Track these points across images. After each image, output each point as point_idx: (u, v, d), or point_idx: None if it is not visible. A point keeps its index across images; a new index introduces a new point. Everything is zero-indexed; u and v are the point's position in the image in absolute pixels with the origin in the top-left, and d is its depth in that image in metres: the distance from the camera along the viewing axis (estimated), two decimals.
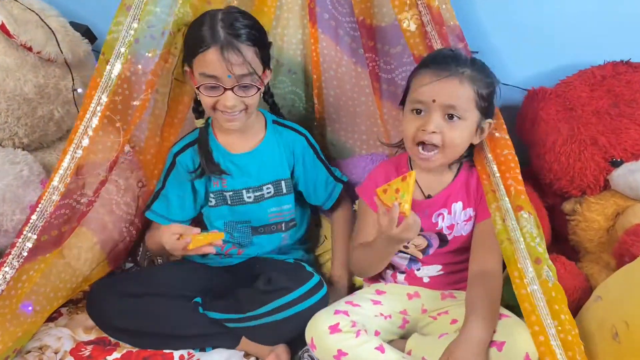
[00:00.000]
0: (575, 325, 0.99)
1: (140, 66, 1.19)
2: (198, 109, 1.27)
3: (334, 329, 1.05)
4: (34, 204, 1.14)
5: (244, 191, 1.30)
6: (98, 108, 1.14)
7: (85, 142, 1.13)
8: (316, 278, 1.19)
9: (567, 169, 1.29)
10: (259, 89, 1.19)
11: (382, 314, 1.14)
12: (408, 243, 1.21)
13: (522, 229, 1.07)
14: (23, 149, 1.41)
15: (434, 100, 1.09)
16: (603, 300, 1.03)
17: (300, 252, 1.39)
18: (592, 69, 1.33)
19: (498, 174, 1.14)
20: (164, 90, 1.31)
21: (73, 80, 1.39)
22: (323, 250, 1.49)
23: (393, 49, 1.34)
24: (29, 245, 1.09)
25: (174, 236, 1.15)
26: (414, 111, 1.13)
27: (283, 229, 1.34)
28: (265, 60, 1.21)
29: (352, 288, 1.39)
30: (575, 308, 1.12)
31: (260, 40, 1.18)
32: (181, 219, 1.32)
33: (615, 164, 1.26)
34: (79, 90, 1.39)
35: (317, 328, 1.07)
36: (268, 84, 1.32)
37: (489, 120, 1.15)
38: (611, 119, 1.26)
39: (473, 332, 1.03)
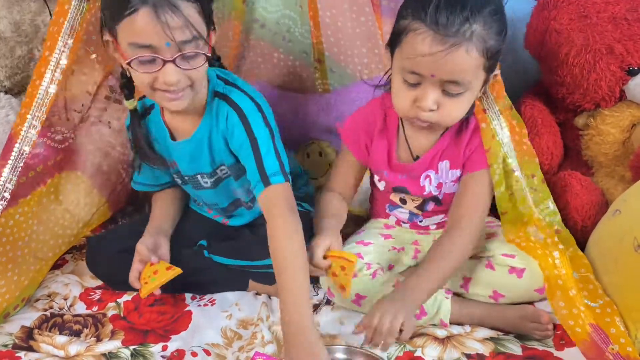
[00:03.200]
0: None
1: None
2: (127, 85, 1.04)
3: None
4: None
5: (199, 176, 1.13)
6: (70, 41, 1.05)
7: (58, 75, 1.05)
8: None
9: (580, 81, 1.23)
10: (207, 57, 0.95)
11: (394, 247, 1.12)
12: (404, 197, 1.14)
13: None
14: (6, 93, 1.34)
15: (432, 75, 0.90)
16: (622, 213, 1.01)
17: (300, 188, 1.26)
18: None
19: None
20: None
21: (51, 15, 1.29)
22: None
23: None
24: (10, 186, 1.05)
25: (137, 265, 1.08)
26: (406, 75, 0.93)
27: (249, 204, 1.20)
28: (209, 17, 0.96)
29: (358, 219, 1.36)
30: (592, 223, 1.11)
31: None
32: (165, 181, 1.22)
33: (632, 73, 1.20)
34: None
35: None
36: (219, 57, 1.14)
37: (495, 72, 0.98)
38: (629, 25, 1.19)
39: (407, 292, 0.94)
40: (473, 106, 1.02)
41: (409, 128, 1.06)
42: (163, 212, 1.21)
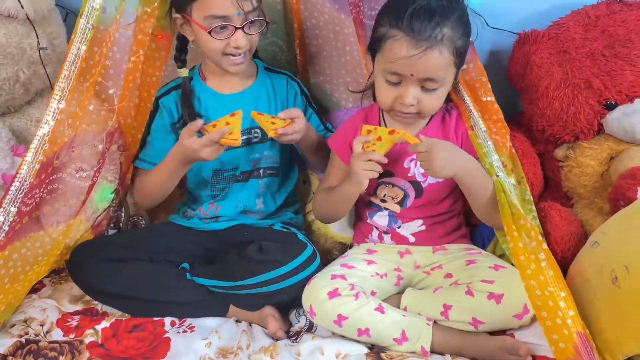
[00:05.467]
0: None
1: (129, 25, 1.12)
2: (181, 57, 1.24)
3: (333, 294, 1.03)
4: (4, 171, 1.07)
5: None
6: (73, 67, 1.05)
7: (62, 104, 1.05)
8: (309, 249, 1.16)
9: (560, 113, 1.26)
10: (266, 23, 1.18)
11: (377, 273, 1.12)
12: (385, 196, 1.18)
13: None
14: None
15: (412, 75, 1.04)
16: (601, 245, 1.02)
17: (288, 213, 1.35)
18: (586, 9, 1.29)
19: (490, 143, 1.12)
20: None
21: (38, 37, 1.29)
22: (311, 208, 1.45)
23: None
24: (10, 219, 1.03)
25: (194, 136, 1.13)
26: (388, 76, 1.07)
27: (261, 175, 1.30)
28: None
29: (343, 247, 1.37)
30: (572, 254, 1.11)
31: None
32: None
33: (610, 107, 1.23)
34: (46, 48, 1.30)
35: (316, 295, 1.05)
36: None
37: (463, 67, 1.12)
38: (606, 61, 1.22)
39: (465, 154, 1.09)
40: (448, 96, 1.15)
41: (392, 123, 1.17)
42: None
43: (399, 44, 1.03)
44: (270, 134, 1.14)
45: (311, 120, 1.33)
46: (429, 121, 1.18)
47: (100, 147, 1.14)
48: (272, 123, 1.16)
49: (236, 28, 1.13)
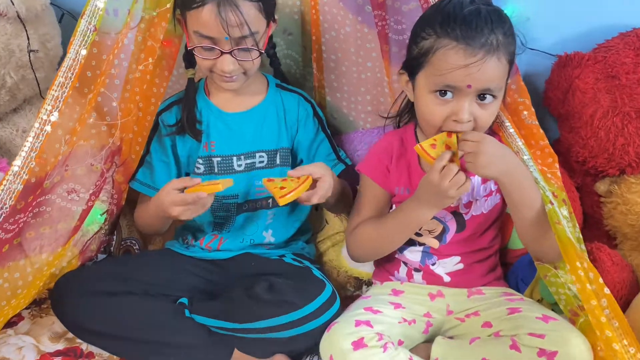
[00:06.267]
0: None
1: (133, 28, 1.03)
2: (189, 58, 1.15)
3: (358, 344, 0.90)
4: None
5: (235, 158, 1.17)
6: (70, 73, 0.94)
7: (54, 116, 0.92)
8: (328, 289, 1.04)
9: (606, 144, 1.17)
10: (260, 53, 1.08)
11: (405, 319, 1.00)
12: (421, 229, 1.07)
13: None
14: None
15: (469, 86, 0.95)
16: None
17: (300, 243, 1.24)
18: (636, 32, 1.19)
19: (533, 165, 1.01)
20: None
21: (28, 38, 1.18)
22: (324, 237, 1.34)
23: (405, 5, 1.19)
24: None
25: (175, 191, 1.04)
26: (438, 92, 0.97)
27: (270, 205, 1.19)
28: (270, 12, 1.08)
29: (358, 282, 1.26)
30: (624, 303, 1.00)
31: None
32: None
33: None
34: (37, 50, 1.20)
35: (338, 345, 0.91)
36: (274, 44, 1.23)
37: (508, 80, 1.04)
38: None
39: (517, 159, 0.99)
40: (495, 117, 1.05)
41: (423, 138, 1.07)
42: None
43: (454, 52, 0.94)
44: (280, 202, 1.00)
45: (321, 147, 1.23)
46: None
47: (98, 166, 1.02)
48: (282, 188, 1.02)
49: (222, 52, 1.04)
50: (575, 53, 1.21)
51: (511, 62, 0.99)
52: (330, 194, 1.07)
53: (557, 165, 1.04)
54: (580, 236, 1.02)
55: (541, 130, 1.07)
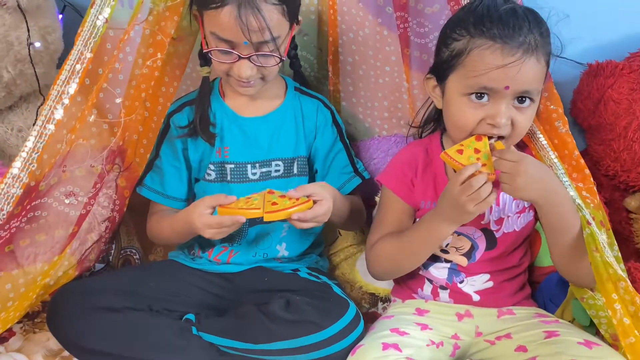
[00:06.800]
0: None
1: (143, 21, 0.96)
2: (204, 55, 1.07)
3: None
4: None
5: (249, 166, 1.10)
6: (77, 67, 0.86)
7: (59, 113, 0.85)
8: (352, 308, 0.97)
9: None
10: (281, 59, 1.01)
11: (432, 342, 0.93)
12: (447, 246, 1.00)
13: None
14: None
15: (507, 87, 0.90)
16: None
17: (314, 256, 1.17)
18: None
19: (568, 181, 0.95)
20: None
21: (29, 30, 1.11)
22: (337, 249, 1.27)
23: (429, 7, 1.14)
24: None
25: (208, 211, 0.98)
26: (474, 95, 0.92)
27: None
28: (294, 14, 1.02)
29: (373, 298, 1.19)
30: None
31: None
32: (179, 195, 1.12)
33: None
34: (37, 44, 1.13)
35: None
36: (296, 45, 1.16)
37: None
38: None
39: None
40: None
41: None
42: None
43: (490, 52, 0.90)
44: (265, 217, 0.94)
45: (338, 158, 1.16)
46: None
47: (99, 167, 0.94)
48: (274, 204, 0.95)
49: (240, 57, 0.97)
50: (607, 61, 1.16)
51: (548, 65, 0.94)
52: (327, 219, 1.00)
53: (592, 179, 0.99)
54: (619, 254, 0.96)
55: (574, 141, 1.02)
